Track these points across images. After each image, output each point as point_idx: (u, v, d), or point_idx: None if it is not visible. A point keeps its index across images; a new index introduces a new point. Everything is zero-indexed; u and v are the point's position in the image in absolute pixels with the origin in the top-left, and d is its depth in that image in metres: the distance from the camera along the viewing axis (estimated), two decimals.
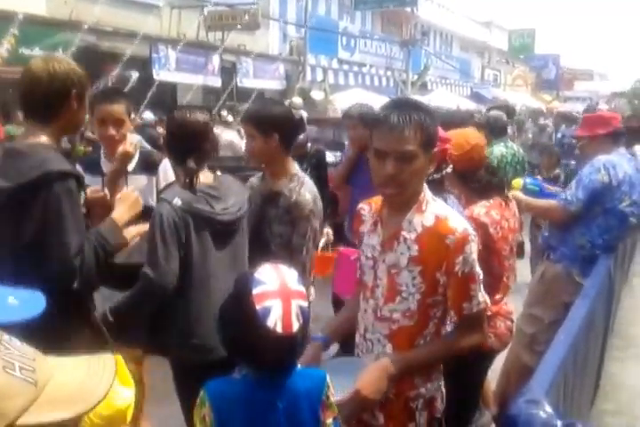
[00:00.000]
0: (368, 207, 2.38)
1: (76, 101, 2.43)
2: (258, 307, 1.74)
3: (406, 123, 2.05)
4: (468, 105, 22.93)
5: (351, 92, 19.98)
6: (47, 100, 2.37)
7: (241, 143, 8.92)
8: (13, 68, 9.95)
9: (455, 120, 4.26)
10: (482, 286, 2.18)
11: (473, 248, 2.12)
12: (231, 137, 9.48)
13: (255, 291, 1.76)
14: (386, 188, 2.13)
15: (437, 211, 2.17)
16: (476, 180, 3.13)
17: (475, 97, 30.36)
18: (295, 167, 3.18)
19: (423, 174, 2.14)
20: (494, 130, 5.95)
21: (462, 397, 2.69)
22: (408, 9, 26.79)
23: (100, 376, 0.96)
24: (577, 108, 28.22)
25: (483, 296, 2.19)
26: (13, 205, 2.24)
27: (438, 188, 2.63)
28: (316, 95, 16.29)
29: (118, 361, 1.13)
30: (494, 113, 6.40)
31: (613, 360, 4.15)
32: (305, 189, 3.06)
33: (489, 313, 2.89)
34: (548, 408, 1.68)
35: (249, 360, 1.85)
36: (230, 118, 11.27)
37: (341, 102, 16.94)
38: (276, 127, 3.04)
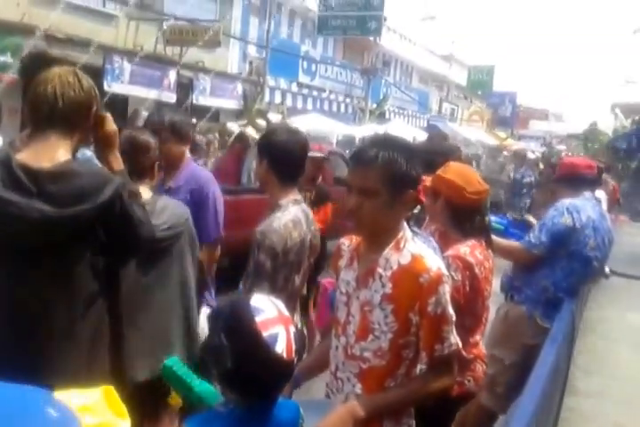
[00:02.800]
0: (348, 242, 2.37)
1: (93, 118, 2.35)
2: (265, 334, 1.72)
3: (373, 160, 2.09)
4: (425, 137, 22.90)
5: (309, 117, 19.79)
6: (66, 113, 2.24)
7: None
8: None
9: (442, 152, 4.05)
10: (454, 327, 2.16)
11: (446, 289, 2.11)
12: None
13: (258, 318, 1.73)
14: (349, 221, 2.17)
15: (414, 250, 2.16)
16: (471, 220, 3.09)
17: (431, 129, 30.45)
18: (288, 198, 2.95)
19: (388, 213, 2.14)
20: None
21: None
22: (371, 38, 26.88)
23: None
24: (531, 147, 28.58)
25: (455, 338, 2.16)
26: (86, 229, 2.18)
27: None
28: (274, 117, 16.01)
29: (109, 393, 1.14)
30: (466, 152, 6.48)
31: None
32: (280, 223, 2.84)
33: (470, 356, 2.98)
34: None
35: (247, 391, 1.77)
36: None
37: (299, 126, 16.67)
38: (263, 152, 2.98)
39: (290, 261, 2.85)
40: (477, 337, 3.13)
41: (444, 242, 3.06)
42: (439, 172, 3.09)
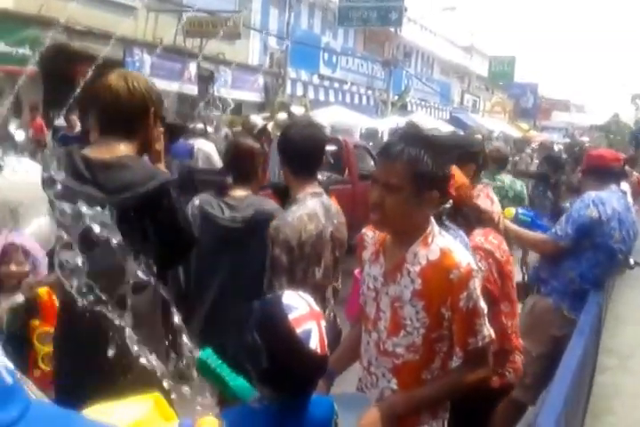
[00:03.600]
0: (371, 234, 2.37)
1: (153, 119, 2.52)
2: (298, 331, 1.74)
3: (398, 156, 2.10)
4: (448, 129, 22.60)
5: (332, 109, 19.50)
6: (127, 115, 2.44)
7: (217, 156, 8.42)
8: None
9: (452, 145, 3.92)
10: (486, 319, 2.16)
11: (477, 284, 2.11)
12: (209, 149, 8.78)
13: (291, 316, 1.75)
14: (372, 213, 2.18)
15: (443, 245, 2.15)
16: (462, 216, 3.03)
17: (454, 121, 30.10)
18: (305, 191, 2.99)
19: (410, 210, 2.13)
20: (495, 160, 6.25)
21: None
22: (391, 29, 26.55)
23: None
24: (554, 139, 28.16)
25: (488, 330, 2.16)
26: (130, 216, 2.32)
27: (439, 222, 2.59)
28: (297, 110, 15.77)
29: (158, 401, 1.22)
30: (497, 144, 6.55)
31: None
32: (294, 217, 2.89)
33: (508, 347, 3.02)
34: None
35: (283, 388, 1.79)
36: (210, 129, 10.57)
37: (321, 119, 16.41)
38: (279, 148, 3.14)
39: (307, 254, 2.88)
40: (516, 325, 3.18)
41: None
42: None
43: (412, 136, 2.22)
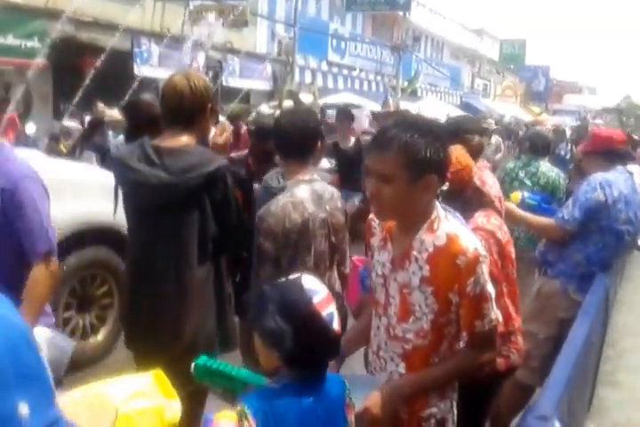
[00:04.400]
0: (382, 221, 2.32)
1: (209, 113, 2.93)
2: (323, 314, 1.80)
3: (388, 144, 2.06)
4: (459, 114, 22.48)
5: (341, 96, 19.45)
6: (189, 111, 2.84)
7: None
8: None
9: (467, 127, 3.97)
10: (494, 303, 2.15)
11: (484, 268, 2.09)
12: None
13: (315, 299, 1.81)
14: (371, 205, 2.18)
15: (449, 230, 2.13)
16: (462, 200, 2.99)
17: (464, 106, 29.94)
18: (295, 179, 3.05)
19: (408, 198, 2.10)
20: (535, 147, 6.19)
21: (476, 415, 2.81)
22: (400, 13, 26.37)
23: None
24: (566, 122, 27.96)
25: (495, 314, 2.16)
26: (195, 194, 2.74)
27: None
28: (306, 98, 15.74)
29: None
30: (538, 129, 6.42)
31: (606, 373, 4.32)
32: (277, 205, 2.95)
33: (511, 329, 3.00)
34: (558, 425, 1.69)
35: (307, 368, 1.85)
36: (222, 119, 10.60)
37: (330, 107, 16.40)
38: (272, 135, 3.27)
39: (293, 242, 2.92)
40: (517, 306, 3.16)
41: None
42: None
43: (404, 122, 2.16)
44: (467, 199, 3.06)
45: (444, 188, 2.77)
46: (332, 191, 3.11)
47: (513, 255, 3.13)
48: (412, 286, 2.15)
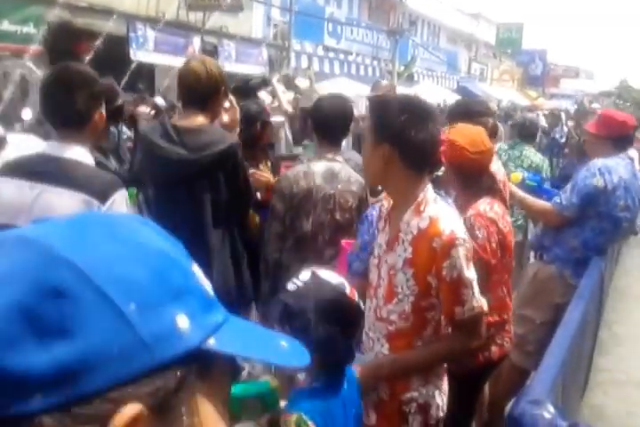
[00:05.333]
0: (387, 203, 2.38)
1: (222, 96, 3.23)
2: (356, 300, 1.88)
3: (373, 108, 2.27)
4: (455, 100, 22.44)
5: (337, 81, 19.37)
6: (205, 94, 3.11)
7: None
8: None
9: (478, 110, 4.07)
10: (475, 290, 2.14)
11: (460, 252, 2.09)
12: None
13: (346, 291, 1.84)
14: None
15: (433, 213, 2.14)
16: (477, 181, 3.05)
17: (461, 91, 29.84)
18: (320, 155, 3.40)
19: (371, 161, 2.22)
20: (522, 132, 6.38)
21: (466, 402, 2.85)
22: None
23: None
24: (562, 106, 27.93)
25: (477, 301, 2.14)
26: (210, 169, 3.06)
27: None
28: (302, 83, 15.69)
29: None
30: (531, 116, 6.80)
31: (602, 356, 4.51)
32: (292, 172, 3.38)
33: (506, 317, 3.02)
34: (551, 409, 1.69)
35: (339, 357, 1.86)
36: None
37: (326, 91, 16.36)
38: (311, 116, 3.58)
39: (295, 206, 3.27)
40: (512, 294, 3.20)
41: (466, 205, 3.05)
42: (445, 133, 3.03)
43: (403, 97, 2.28)
44: (482, 184, 3.08)
45: (440, 173, 2.84)
46: (350, 175, 3.32)
47: (512, 245, 3.13)
48: (397, 268, 2.19)
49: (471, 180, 3.02)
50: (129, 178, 3.29)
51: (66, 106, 2.43)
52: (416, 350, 2.22)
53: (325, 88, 17.66)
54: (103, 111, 2.56)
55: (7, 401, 0.51)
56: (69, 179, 2.36)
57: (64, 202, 2.32)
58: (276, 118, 6.13)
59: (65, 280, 0.54)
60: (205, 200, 3.12)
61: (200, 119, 3.12)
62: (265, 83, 4.33)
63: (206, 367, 0.61)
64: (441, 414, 2.28)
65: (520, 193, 4.13)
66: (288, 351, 0.68)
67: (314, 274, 1.86)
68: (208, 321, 0.61)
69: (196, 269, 0.65)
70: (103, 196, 2.34)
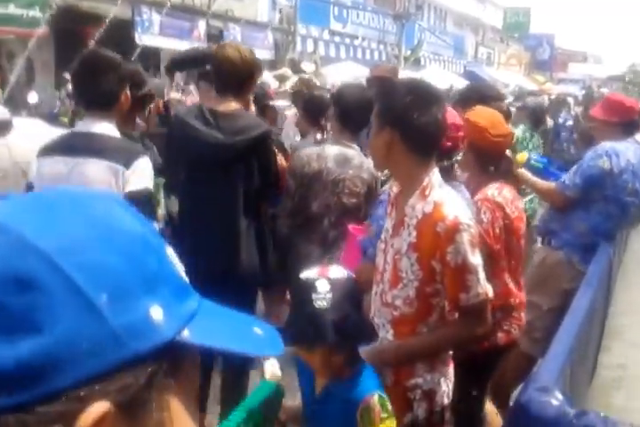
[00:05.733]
0: (395, 188, 2.37)
1: (255, 81, 3.38)
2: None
3: (378, 94, 2.41)
4: (463, 84, 22.32)
5: (343, 66, 19.32)
6: (240, 80, 3.22)
7: None
8: None
9: (491, 94, 4.05)
10: (481, 277, 2.12)
11: (465, 238, 2.07)
12: None
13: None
14: None
15: (438, 197, 2.14)
16: (495, 164, 3.05)
17: (468, 75, 29.68)
18: (338, 141, 3.50)
19: (375, 145, 2.24)
20: (534, 116, 6.43)
21: (475, 390, 2.88)
22: None
23: None
24: (570, 91, 27.74)
25: (482, 288, 2.12)
26: (245, 153, 3.16)
27: (447, 175, 2.60)
28: (307, 67, 15.66)
29: None
30: (539, 100, 6.78)
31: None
32: (306, 153, 3.51)
33: (513, 304, 2.99)
34: (559, 396, 1.68)
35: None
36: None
37: (332, 76, 16.30)
38: (336, 103, 3.66)
39: (305, 185, 3.38)
40: (522, 281, 3.12)
41: (479, 188, 3.04)
42: (466, 114, 3.02)
43: (409, 80, 2.33)
44: (499, 168, 3.08)
45: (459, 157, 2.87)
46: (363, 162, 3.40)
47: (521, 231, 3.08)
48: (402, 252, 2.18)
49: (490, 162, 3.02)
50: (158, 167, 3.33)
51: (93, 88, 2.67)
52: (421, 336, 2.20)
53: (331, 72, 17.63)
54: (128, 93, 2.78)
55: None
56: (96, 150, 2.63)
57: (93, 171, 2.61)
58: (281, 103, 6.11)
59: (34, 270, 0.50)
60: (238, 185, 3.21)
61: (234, 104, 3.22)
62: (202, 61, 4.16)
63: (178, 360, 0.57)
64: (446, 401, 2.26)
65: (526, 173, 4.09)
66: (262, 339, 0.64)
67: (329, 281, 1.88)
68: (182, 311, 0.57)
69: (170, 252, 0.62)
70: (127, 162, 2.60)
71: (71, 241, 0.53)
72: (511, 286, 3.01)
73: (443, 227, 2.07)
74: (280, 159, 3.68)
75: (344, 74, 16.64)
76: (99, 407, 0.50)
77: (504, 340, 2.98)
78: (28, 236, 0.51)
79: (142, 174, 2.64)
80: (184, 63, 5.33)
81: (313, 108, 4.54)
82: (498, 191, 2.98)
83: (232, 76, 3.21)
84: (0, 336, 0.48)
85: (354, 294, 1.94)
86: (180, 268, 0.62)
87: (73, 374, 0.50)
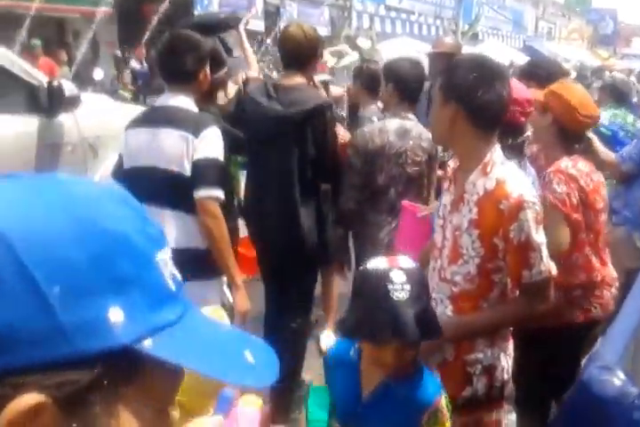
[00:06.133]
0: (453, 164, 2.37)
1: (319, 56, 3.61)
2: None
3: (444, 69, 2.29)
4: (522, 59, 21.92)
5: (399, 41, 19.19)
6: (304, 57, 3.40)
7: None
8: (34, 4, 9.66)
9: (555, 70, 3.99)
10: (544, 255, 2.11)
11: (529, 215, 2.06)
12: None
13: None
14: None
15: (500, 174, 2.12)
16: (578, 142, 3.02)
17: (527, 50, 29.07)
18: (397, 113, 3.61)
19: (439, 121, 2.24)
20: (615, 93, 5.99)
21: (558, 370, 2.78)
22: None
23: None
24: (633, 66, 26.92)
25: (545, 265, 2.12)
26: (300, 124, 3.29)
27: (517, 153, 2.59)
28: (363, 43, 15.65)
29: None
30: (621, 76, 6.34)
31: None
32: (369, 129, 3.61)
33: (595, 280, 2.90)
34: (622, 375, 1.63)
35: None
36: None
37: (388, 52, 16.25)
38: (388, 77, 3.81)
39: (370, 160, 3.47)
40: (604, 255, 2.98)
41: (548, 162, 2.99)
42: (553, 88, 2.96)
43: (473, 56, 2.33)
44: (580, 145, 3.02)
45: (529, 133, 2.87)
46: (422, 132, 3.52)
47: (599, 205, 3.00)
48: (462, 229, 2.17)
49: (572, 139, 2.97)
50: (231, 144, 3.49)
51: (174, 67, 2.90)
52: (482, 312, 2.20)
53: (387, 48, 17.55)
54: (208, 72, 2.99)
55: None
56: (171, 120, 2.85)
57: (167, 140, 2.83)
58: (324, 77, 6.17)
59: None
60: (294, 156, 3.35)
61: (298, 79, 3.41)
62: (229, 25, 4.12)
63: (136, 369, 0.55)
64: (506, 377, 2.26)
65: (594, 139, 3.93)
66: (248, 367, 0.60)
67: (404, 271, 1.77)
68: (151, 319, 0.55)
69: (163, 257, 0.60)
70: (196, 131, 2.79)
71: (37, 231, 0.52)
72: (593, 260, 2.92)
73: (506, 204, 2.06)
74: (342, 133, 3.84)
75: (400, 50, 16.52)
76: (32, 398, 0.49)
77: (581, 318, 2.88)
78: None
79: (210, 143, 2.80)
80: (204, 29, 5.41)
81: (371, 81, 4.68)
82: (572, 164, 2.90)
83: (296, 53, 3.41)
84: None
85: (426, 285, 1.89)
86: (172, 275, 0.60)
87: (9, 359, 0.49)
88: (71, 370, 0.51)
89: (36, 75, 4.83)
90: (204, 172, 2.79)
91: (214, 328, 0.64)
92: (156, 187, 2.78)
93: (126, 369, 0.54)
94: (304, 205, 3.41)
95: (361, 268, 1.89)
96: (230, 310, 2.92)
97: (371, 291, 1.75)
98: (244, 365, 0.60)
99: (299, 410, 3.23)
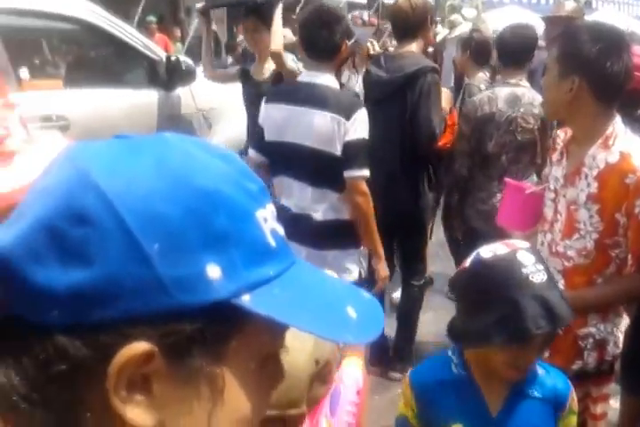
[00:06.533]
0: (563, 135, 2.30)
1: (430, 24, 3.79)
2: None
3: (558, 37, 2.21)
4: None
5: (506, 10, 18.63)
6: (414, 26, 3.61)
7: None
8: None
9: None
10: None
11: None
12: None
13: None
14: None
15: (624, 147, 2.04)
16: None
17: None
18: (505, 81, 3.77)
19: (556, 95, 2.13)
20: None
21: None
22: None
23: None
24: None
25: None
26: (402, 89, 3.52)
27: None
28: (468, 13, 15.29)
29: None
30: None
31: None
32: (479, 97, 3.80)
33: None
34: None
35: None
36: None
37: (495, 21, 15.87)
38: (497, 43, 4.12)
39: (479, 128, 3.60)
40: None
41: None
42: None
43: (592, 23, 2.22)
44: None
45: None
46: (534, 98, 3.55)
47: None
48: (579, 203, 2.11)
49: None
50: None
51: (322, 40, 2.96)
52: (597, 287, 2.16)
53: (494, 18, 17.11)
54: (348, 44, 3.15)
55: (29, 309, 0.52)
56: (321, 101, 2.92)
57: (319, 121, 2.91)
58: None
59: (90, 207, 0.53)
60: (397, 120, 3.56)
61: (408, 47, 3.65)
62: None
63: (236, 324, 0.56)
64: (617, 351, 2.24)
65: None
66: (350, 323, 0.59)
67: (527, 250, 1.56)
68: (249, 275, 0.56)
69: (264, 213, 0.59)
70: (348, 114, 2.89)
71: (134, 187, 0.53)
72: None
73: (633, 179, 1.99)
74: (446, 97, 4.02)
75: (508, 19, 16.08)
76: (141, 345, 0.52)
77: None
78: (94, 174, 0.53)
79: (360, 125, 2.91)
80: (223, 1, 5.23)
81: (479, 50, 4.82)
82: None
83: (406, 24, 3.63)
84: (57, 260, 0.52)
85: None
86: (273, 230, 0.59)
87: (115, 309, 0.52)
88: (174, 322, 0.53)
89: (155, 50, 5.01)
90: (356, 152, 2.89)
91: (320, 283, 0.64)
92: (301, 163, 2.92)
93: (227, 324, 0.55)
94: (401, 173, 3.63)
95: (469, 263, 1.62)
96: (364, 279, 3.11)
97: (502, 281, 1.49)
98: (345, 321, 0.59)
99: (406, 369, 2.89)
